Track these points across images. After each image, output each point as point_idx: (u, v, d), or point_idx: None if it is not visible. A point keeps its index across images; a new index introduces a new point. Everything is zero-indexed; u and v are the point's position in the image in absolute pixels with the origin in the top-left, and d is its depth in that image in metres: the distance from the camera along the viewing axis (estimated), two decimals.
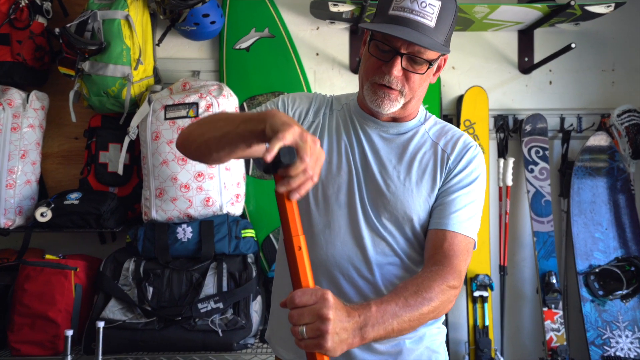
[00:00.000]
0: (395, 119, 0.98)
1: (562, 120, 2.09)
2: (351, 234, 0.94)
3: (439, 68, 0.97)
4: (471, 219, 0.92)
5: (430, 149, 0.97)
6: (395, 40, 0.87)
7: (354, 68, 2.10)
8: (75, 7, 2.03)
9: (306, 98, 1.05)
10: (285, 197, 0.74)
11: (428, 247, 0.92)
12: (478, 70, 2.12)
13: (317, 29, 2.12)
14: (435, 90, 2.07)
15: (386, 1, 0.90)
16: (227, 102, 1.87)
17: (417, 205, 0.93)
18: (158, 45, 2.02)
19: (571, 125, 2.08)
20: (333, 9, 1.84)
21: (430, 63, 0.90)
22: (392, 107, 0.92)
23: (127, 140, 1.82)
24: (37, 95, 1.88)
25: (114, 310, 1.65)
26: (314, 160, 0.72)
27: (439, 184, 0.94)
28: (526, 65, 2.10)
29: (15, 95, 1.83)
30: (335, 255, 0.94)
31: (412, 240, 0.94)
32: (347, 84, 2.12)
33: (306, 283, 0.73)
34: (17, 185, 1.79)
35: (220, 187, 1.83)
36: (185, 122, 1.81)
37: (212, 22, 1.95)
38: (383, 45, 0.89)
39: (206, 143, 0.87)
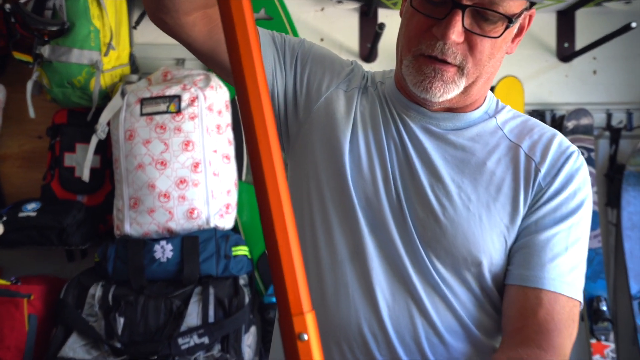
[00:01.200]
0: (450, 109, 0.66)
1: (609, 116, 1.79)
2: (388, 281, 0.62)
3: (521, 30, 0.64)
4: (575, 269, 0.60)
5: (507, 154, 0.64)
6: None
7: (364, 55, 1.80)
8: None
9: (339, 62, 0.73)
10: None
11: (510, 313, 0.61)
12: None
13: (322, 9, 1.82)
14: None
15: None
16: (216, 95, 1.57)
17: (489, 242, 0.61)
18: (135, 28, 1.72)
19: (620, 122, 1.78)
20: None
21: (510, 20, 0.58)
22: (446, 92, 0.61)
23: (94, 140, 1.53)
24: None
25: (75, 348, 1.36)
26: None
27: (522, 209, 0.62)
28: (566, 52, 1.80)
29: None
30: (352, 318, 0.62)
31: (480, 296, 0.63)
32: None
33: None
34: None
35: (207, 196, 1.53)
36: (165, 119, 1.52)
37: None
38: None
39: None
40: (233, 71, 0.40)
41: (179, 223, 1.50)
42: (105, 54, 1.55)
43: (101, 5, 1.54)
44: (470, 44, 0.59)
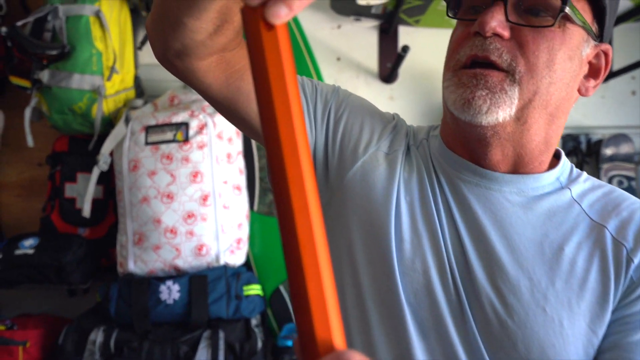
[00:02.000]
0: (513, 168, 0.54)
1: None
2: None
3: (597, 71, 0.54)
4: None
5: (589, 236, 0.51)
6: None
7: (384, 76, 1.68)
8: (39, 2, 1.63)
9: (379, 117, 0.62)
10: (259, 20, 0.29)
11: None
12: None
13: (339, 27, 1.70)
14: None
15: None
16: (225, 122, 1.46)
17: (573, 355, 0.48)
18: (140, 49, 1.61)
19: None
20: (361, 1, 1.42)
21: (561, 9, 0.47)
22: (494, 103, 0.48)
23: (96, 172, 1.42)
24: None
25: None
26: None
27: (611, 308, 0.49)
28: None
29: None
30: None
31: None
32: (375, 96, 1.70)
33: None
34: None
35: (216, 231, 1.42)
36: (172, 148, 1.41)
37: None
38: (473, 6, 0.51)
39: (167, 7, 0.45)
40: (265, 132, 0.30)
41: (187, 261, 1.40)
42: (108, 79, 1.45)
43: (104, 26, 1.43)
44: (519, 41, 0.49)
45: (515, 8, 0.49)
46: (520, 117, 0.50)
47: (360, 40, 1.71)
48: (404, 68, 1.68)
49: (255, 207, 1.61)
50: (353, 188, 0.56)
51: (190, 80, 0.53)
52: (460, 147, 0.55)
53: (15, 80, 1.43)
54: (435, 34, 1.68)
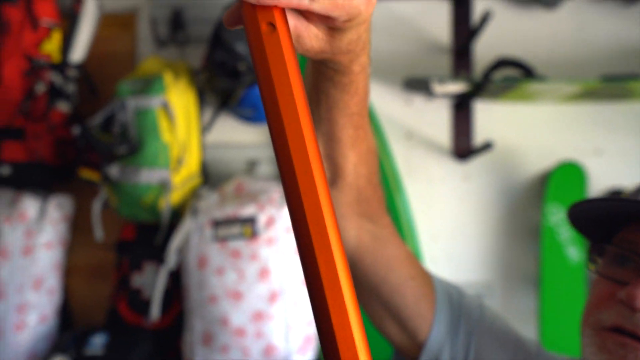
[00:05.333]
0: None
1: None
2: None
3: None
4: None
5: None
6: None
7: (460, 153, 1.58)
8: (107, 84, 1.63)
9: (522, 349, 0.58)
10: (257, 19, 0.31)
11: None
12: (570, 136, 1.58)
13: (410, 104, 1.62)
14: (577, 183, 1.51)
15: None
16: None
17: None
18: (205, 133, 1.58)
19: None
20: (438, 89, 1.33)
21: None
22: None
23: (164, 272, 1.39)
24: (57, 203, 1.49)
25: None
26: None
27: None
28: None
29: (29, 204, 1.44)
30: None
31: None
32: (447, 175, 1.60)
33: None
34: (28, 326, 1.39)
35: (285, 331, 1.36)
36: (240, 245, 1.36)
37: None
38: (621, 255, 0.47)
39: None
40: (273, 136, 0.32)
41: None
42: (175, 170, 1.42)
43: (171, 117, 1.41)
44: None
45: None
46: None
47: (432, 116, 1.61)
48: (479, 143, 1.57)
49: None
50: None
51: None
52: None
53: (85, 174, 1.42)
54: (515, 109, 1.57)
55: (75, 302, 1.63)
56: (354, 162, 0.51)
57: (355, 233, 0.54)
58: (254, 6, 0.31)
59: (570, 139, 1.56)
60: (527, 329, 1.55)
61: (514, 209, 1.59)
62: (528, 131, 1.59)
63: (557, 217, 1.50)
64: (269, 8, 0.31)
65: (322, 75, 0.44)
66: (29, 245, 1.40)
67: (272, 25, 0.30)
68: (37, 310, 1.41)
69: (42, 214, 1.44)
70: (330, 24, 0.35)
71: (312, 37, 0.35)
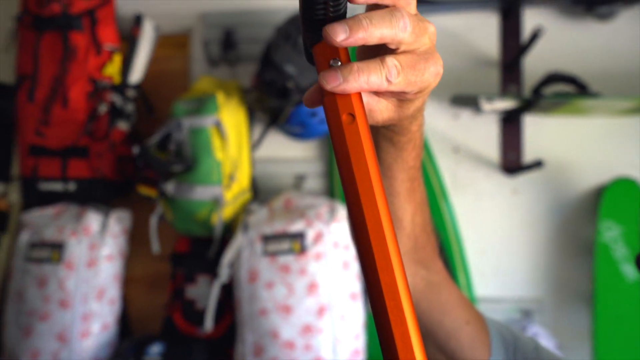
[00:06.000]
0: None
1: None
2: None
3: None
4: None
5: None
6: None
7: (509, 167, 1.56)
8: (162, 102, 1.71)
9: None
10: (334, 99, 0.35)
11: None
12: (623, 150, 1.51)
13: (457, 118, 1.61)
14: (633, 200, 1.47)
15: None
16: (341, 228, 1.43)
17: None
18: (255, 149, 1.64)
19: None
20: (487, 107, 1.33)
21: None
22: None
23: (217, 285, 1.44)
24: (117, 217, 1.57)
25: None
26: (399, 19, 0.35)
27: None
28: None
29: (92, 219, 1.53)
30: None
31: None
32: (496, 190, 1.59)
33: None
34: (92, 334, 1.48)
35: (333, 344, 1.39)
36: (289, 259, 1.40)
37: (322, 121, 1.52)
38: None
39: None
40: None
41: None
42: (227, 186, 1.47)
43: (223, 136, 1.47)
44: None
45: None
46: None
47: (480, 129, 1.60)
48: (528, 157, 1.55)
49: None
50: None
51: None
52: None
53: (143, 190, 1.50)
54: (567, 121, 1.54)
55: (133, 310, 1.71)
56: (411, 212, 0.53)
57: (411, 280, 0.56)
58: (334, 95, 0.34)
59: (626, 154, 1.51)
60: (580, 348, 1.52)
61: (565, 225, 1.55)
62: (581, 145, 1.55)
63: (611, 233, 1.46)
64: (348, 95, 0.34)
65: (381, 136, 0.46)
66: (93, 258, 1.49)
67: (352, 116, 0.33)
68: (100, 319, 1.50)
69: (104, 227, 1.52)
70: (401, 97, 0.38)
71: (382, 110, 0.38)
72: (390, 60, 0.35)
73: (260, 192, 1.66)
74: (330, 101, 0.34)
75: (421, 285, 0.57)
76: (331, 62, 0.35)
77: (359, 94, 0.35)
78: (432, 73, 0.37)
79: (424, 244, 0.57)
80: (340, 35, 0.33)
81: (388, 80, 0.34)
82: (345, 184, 0.34)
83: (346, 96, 0.34)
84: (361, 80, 0.34)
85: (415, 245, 0.55)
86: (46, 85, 1.53)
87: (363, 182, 0.32)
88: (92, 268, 1.49)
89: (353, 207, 0.33)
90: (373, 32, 0.33)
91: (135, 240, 1.70)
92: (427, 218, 0.56)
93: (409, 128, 0.44)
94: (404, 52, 0.36)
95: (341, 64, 0.35)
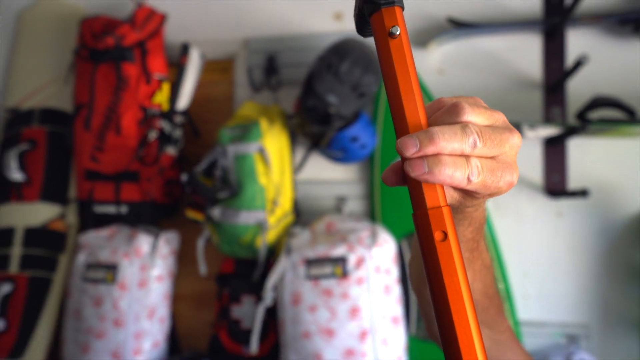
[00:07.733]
0: None
1: None
2: None
3: None
4: None
5: None
6: None
7: (552, 190, 1.54)
8: (208, 125, 1.78)
9: None
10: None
11: None
12: None
13: None
14: None
15: None
16: (382, 252, 1.45)
17: None
18: (297, 172, 1.67)
19: None
20: (530, 134, 1.32)
21: None
22: None
23: (262, 308, 1.49)
24: (166, 239, 1.64)
25: None
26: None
27: None
28: None
29: (143, 240, 1.60)
30: None
31: None
32: (538, 213, 1.57)
33: None
34: (144, 351, 1.55)
35: None
36: (331, 284, 1.43)
37: (363, 146, 1.55)
38: None
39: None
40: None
41: None
42: (271, 211, 1.52)
43: (267, 162, 1.51)
44: None
45: None
46: None
47: (523, 151, 1.58)
48: (573, 180, 1.53)
49: (413, 330, 1.57)
50: None
51: None
52: None
53: (191, 215, 1.56)
54: (613, 144, 1.50)
55: (181, 326, 1.78)
56: (469, 280, 0.55)
57: None
58: (426, 214, 0.35)
59: None
60: None
61: (613, 249, 1.52)
62: (628, 167, 1.52)
63: None
64: (434, 189, 0.35)
65: None
66: (144, 279, 1.56)
67: (445, 234, 0.35)
68: (151, 337, 1.57)
69: (154, 249, 1.60)
70: (471, 194, 0.40)
71: (448, 197, 0.40)
72: (474, 160, 0.37)
73: (302, 213, 1.69)
74: (424, 222, 0.35)
75: (486, 345, 0.58)
76: (391, 29, 0.35)
77: (442, 187, 0.37)
78: (506, 182, 0.39)
79: (486, 307, 0.58)
80: (410, 149, 0.36)
81: (469, 180, 0.37)
82: (434, 293, 0.35)
83: (432, 189, 0.36)
84: (446, 174, 0.36)
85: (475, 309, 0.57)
86: (101, 114, 1.61)
87: (454, 297, 0.34)
88: (143, 288, 1.56)
89: (446, 333, 0.34)
90: (445, 146, 0.36)
91: (183, 260, 1.77)
92: (488, 284, 0.58)
93: (462, 208, 0.47)
94: (486, 156, 0.38)
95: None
